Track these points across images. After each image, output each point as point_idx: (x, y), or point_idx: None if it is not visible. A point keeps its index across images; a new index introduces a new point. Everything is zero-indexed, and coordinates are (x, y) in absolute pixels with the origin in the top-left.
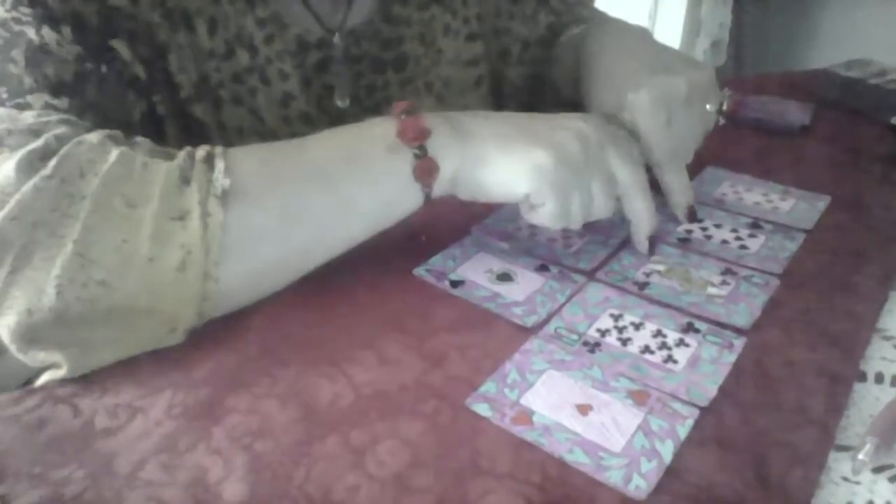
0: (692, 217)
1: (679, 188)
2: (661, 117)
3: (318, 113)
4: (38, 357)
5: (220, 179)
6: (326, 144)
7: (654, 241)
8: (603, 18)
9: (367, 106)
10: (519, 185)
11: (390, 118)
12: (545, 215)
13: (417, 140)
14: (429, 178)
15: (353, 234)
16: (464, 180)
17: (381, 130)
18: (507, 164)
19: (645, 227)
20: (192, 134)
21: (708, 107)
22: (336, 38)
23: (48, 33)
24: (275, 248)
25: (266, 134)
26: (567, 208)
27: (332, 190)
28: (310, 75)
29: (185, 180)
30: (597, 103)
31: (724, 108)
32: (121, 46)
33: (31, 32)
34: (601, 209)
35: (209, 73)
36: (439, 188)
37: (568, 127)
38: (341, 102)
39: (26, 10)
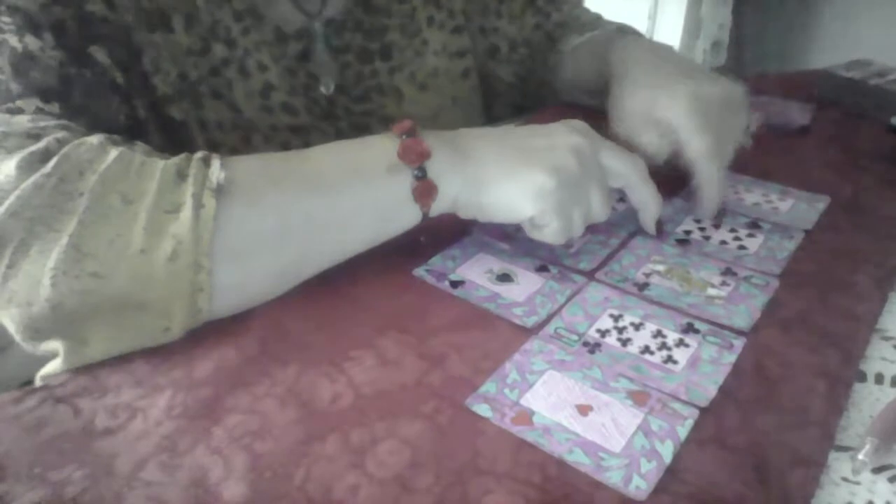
0: (717, 218)
1: (713, 187)
2: (699, 114)
3: (307, 102)
4: (41, 347)
5: (216, 173)
6: (328, 157)
7: (661, 225)
8: (612, 27)
9: (357, 95)
10: (522, 209)
11: (392, 137)
12: (549, 234)
13: (417, 162)
14: (427, 199)
15: (349, 246)
16: (465, 203)
17: (382, 149)
18: (509, 188)
19: (652, 212)
20: (172, 134)
21: (742, 121)
22: (317, 26)
23: (31, 41)
24: (270, 252)
25: (246, 126)
26: (570, 224)
27: (332, 201)
28: (293, 66)
29: (182, 176)
30: (629, 104)
31: (752, 129)
32: (98, 53)
33: (13, 41)
34: (599, 214)
35: (188, 71)
36: (438, 208)
37: (564, 144)
38: (325, 90)
39: (7, 20)
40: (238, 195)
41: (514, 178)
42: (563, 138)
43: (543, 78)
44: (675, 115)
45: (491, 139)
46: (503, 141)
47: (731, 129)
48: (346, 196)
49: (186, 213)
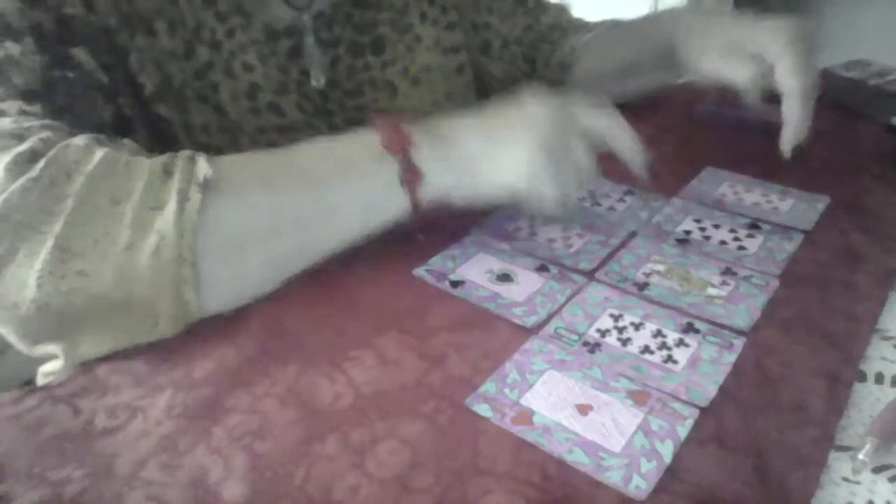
0: (797, 154)
1: (799, 121)
2: (797, 51)
3: (299, 99)
4: (35, 350)
5: (203, 169)
6: (314, 152)
7: (652, 167)
8: (610, 22)
9: (349, 89)
10: (516, 181)
11: (373, 130)
12: (550, 199)
13: (401, 150)
14: (414, 186)
15: (340, 237)
16: (456, 186)
17: (366, 141)
18: (499, 164)
19: (638, 155)
20: (160, 133)
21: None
22: (306, 18)
23: (11, 46)
24: (261, 246)
25: (232, 129)
26: (565, 185)
27: (320, 194)
28: (284, 63)
29: (168, 173)
30: (717, 41)
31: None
32: (81, 55)
33: None
34: (589, 168)
35: (172, 75)
36: (428, 195)
37: (538, 112)
38: (316, 82)
39: None
40: (226, 190)
41: (500, 153)
42: (536, 107)
43: (549, 77)
44: (773, 50)
45: (469, 121)
46: (481, 121)
47: (815, 65)
48: (334, 188)
49: (171, 207)
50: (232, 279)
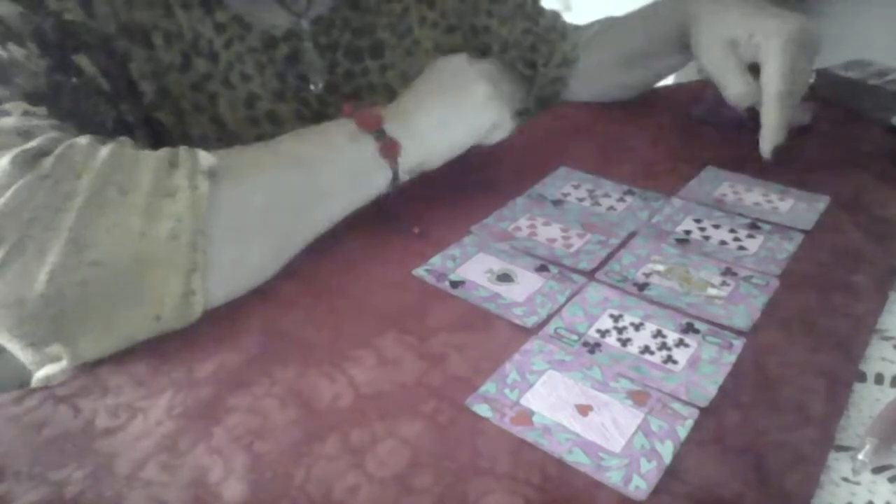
0: (775, 157)
1: (778, 126)
2: (793, 48)
3: (297, 105)
4: (30, 351)
5: (206, 159)
6: (297, 139)
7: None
8: (601, 22)
9: (348, 94)
10: (486, 119)
11: (347, 116)
12: (507, 124)
13: (375, 126)
14: (393, 155)
15: (331, 213)
16: (431, 152)
17: (342, 125)
18: (467, 123)
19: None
20: (161, 140)
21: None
22: (304, 24)
23: (15, 49)
24: (260, 227)
25: (230, 139)
26: (512, 113)
27: (309, 174)
28: (283, 69)
29: (173, 164)
30: (723, 34)
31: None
32: (83, 61)
33: None
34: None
35: (169, 86)
36: (408, 164)
37: (474, 69)
38: (314, 87)
39: None
40: (225, 177)
41: (466, 113)
42: (460, 57)
43: (551, 75)
44: (766, 49)
45: (426, 93)
46: (435, 89)
47: (806, 70)
48: (320, 166)
49: (184, 193)
50: (236, 266)
